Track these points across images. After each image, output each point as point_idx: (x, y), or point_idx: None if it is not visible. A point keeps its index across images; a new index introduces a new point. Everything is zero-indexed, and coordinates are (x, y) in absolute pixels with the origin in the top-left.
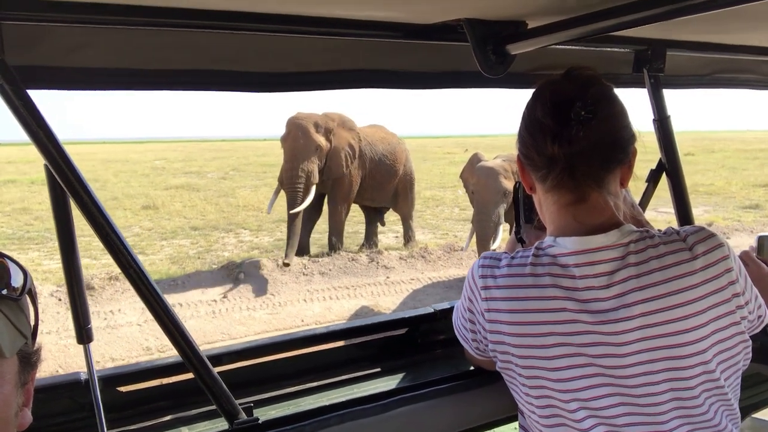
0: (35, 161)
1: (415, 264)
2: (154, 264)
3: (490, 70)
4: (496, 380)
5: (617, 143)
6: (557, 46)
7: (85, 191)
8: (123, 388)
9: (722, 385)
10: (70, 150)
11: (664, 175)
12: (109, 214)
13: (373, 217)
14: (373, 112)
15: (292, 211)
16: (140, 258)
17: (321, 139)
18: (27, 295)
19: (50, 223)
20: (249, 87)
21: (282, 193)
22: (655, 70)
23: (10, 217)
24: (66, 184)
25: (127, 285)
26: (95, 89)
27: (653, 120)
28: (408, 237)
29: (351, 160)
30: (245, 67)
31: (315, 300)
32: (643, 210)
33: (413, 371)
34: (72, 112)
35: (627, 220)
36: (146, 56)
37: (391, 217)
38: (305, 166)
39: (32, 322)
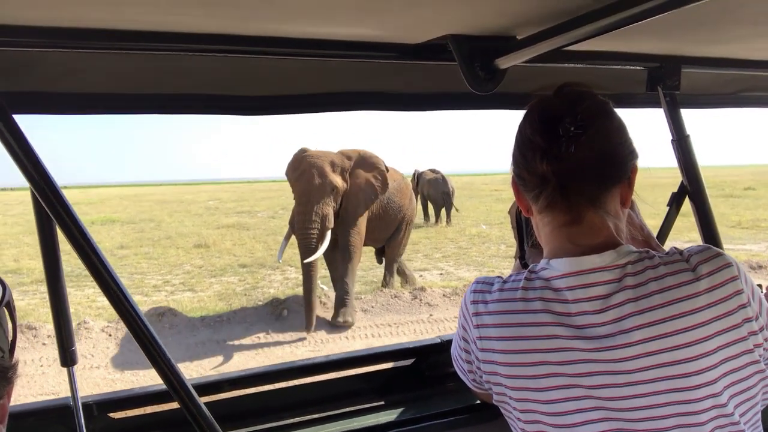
0: (96, 203)
1: (458, 301)
2: (202, 301)
3: (479, 87)
4: (501, 415)
5: (612, 160)
6: (563, 65)
7: (71, 218)
8: (114, 415)
9: (737, 421)
10: (113, 193)
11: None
12: (95, 240)
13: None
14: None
15: (306, 261)
16: (190, 295)
17: (338, 180)
18: (5, 309)
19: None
20: (236, 110)
21: (294, 239)
22: (670, 88)
23: (70, 255)
24: (52, 211)
25: (178, 320)
26: (85, 113)
27: (672, 141)
28: (407, 275)
29: (371, 200)
30: (232, 90)
31: (357, 337)
32: (665, 236)
33: (419, 405)
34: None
35: (630, 242)
36: (135, 81)
37: (436, 254)
38: (320, 209)
39: (10, 337)
